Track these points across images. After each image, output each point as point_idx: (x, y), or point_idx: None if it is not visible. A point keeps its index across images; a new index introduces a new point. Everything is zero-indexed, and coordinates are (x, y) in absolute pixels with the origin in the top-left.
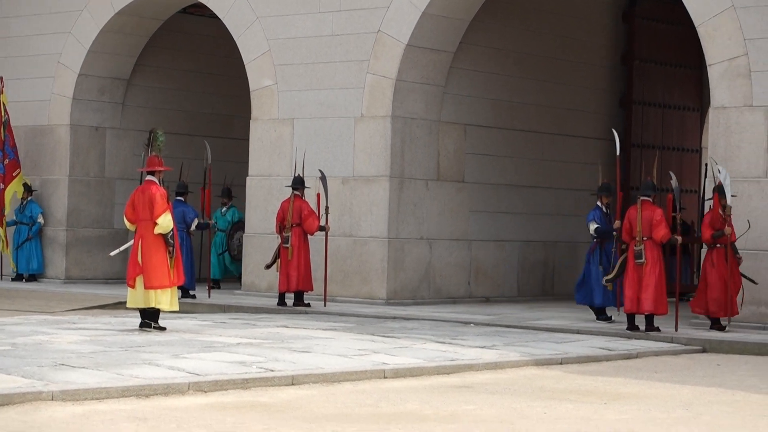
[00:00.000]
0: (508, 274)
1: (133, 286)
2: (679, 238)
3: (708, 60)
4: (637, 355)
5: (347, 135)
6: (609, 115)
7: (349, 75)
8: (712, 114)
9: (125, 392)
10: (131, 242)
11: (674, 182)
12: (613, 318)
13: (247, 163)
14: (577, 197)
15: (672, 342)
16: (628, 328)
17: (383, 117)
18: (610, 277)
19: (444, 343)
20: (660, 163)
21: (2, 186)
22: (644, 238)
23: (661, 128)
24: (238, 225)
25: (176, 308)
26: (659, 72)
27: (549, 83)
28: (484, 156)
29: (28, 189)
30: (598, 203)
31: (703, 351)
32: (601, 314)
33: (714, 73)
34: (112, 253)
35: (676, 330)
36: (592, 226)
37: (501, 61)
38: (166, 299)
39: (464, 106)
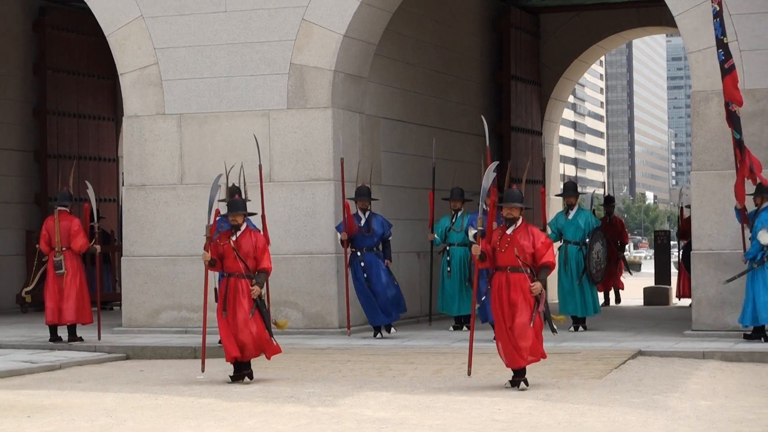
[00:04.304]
0: None
1: None
2: (98, 247)
3: (120, 69)
4: (60, 366)
5: None
6: (23, 126)
7: None
8: (125, 123)
9: None
10: None
11: (91, 192)
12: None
13: None
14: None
15: (96, 351)
16: (51, 340)
17: None
18: (29, 289)
19: None
20: (77, 172)
21: None
22: (63, 249)
23: (77, 138)
24: None
25: None
26: (73, 81)
27: None
28: None
29: None
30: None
31: (127, 358)
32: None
33: (126, 82)
34: None
35: (99, 338)
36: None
37: None
38: None
39: None
